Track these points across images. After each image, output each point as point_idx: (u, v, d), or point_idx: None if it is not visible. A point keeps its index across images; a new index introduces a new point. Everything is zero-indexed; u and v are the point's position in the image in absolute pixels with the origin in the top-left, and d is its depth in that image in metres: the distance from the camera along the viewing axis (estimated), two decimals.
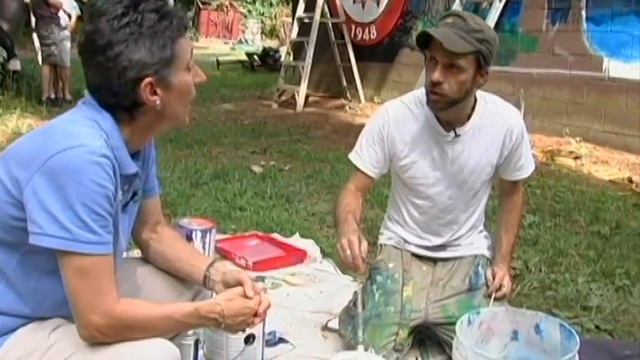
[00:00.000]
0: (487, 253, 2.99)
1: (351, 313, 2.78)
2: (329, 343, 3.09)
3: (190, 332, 2.20)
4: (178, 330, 2.04)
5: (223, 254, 4.08)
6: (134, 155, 1.92)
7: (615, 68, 7.77)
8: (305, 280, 3.82)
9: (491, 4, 8.86)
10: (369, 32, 11.63)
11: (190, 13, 30.10)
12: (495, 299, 2.78)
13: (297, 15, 12.19)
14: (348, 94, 11.84)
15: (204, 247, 3.56)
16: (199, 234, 3.55)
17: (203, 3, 35.32)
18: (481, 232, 3.05)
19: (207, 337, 2.51)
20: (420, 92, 2.83)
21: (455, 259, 2.97)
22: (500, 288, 2.82)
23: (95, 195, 1.69)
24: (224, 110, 10.85)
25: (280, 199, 5.47)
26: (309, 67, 11.18)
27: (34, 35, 11.91)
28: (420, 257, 2.99)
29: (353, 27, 11.87)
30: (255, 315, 2.00)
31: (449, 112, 2.70)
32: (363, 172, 2.84)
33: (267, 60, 19.22)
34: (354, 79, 11.64)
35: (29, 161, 1.71)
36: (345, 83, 11.90)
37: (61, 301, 1.77)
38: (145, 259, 2.27)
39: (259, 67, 19.22)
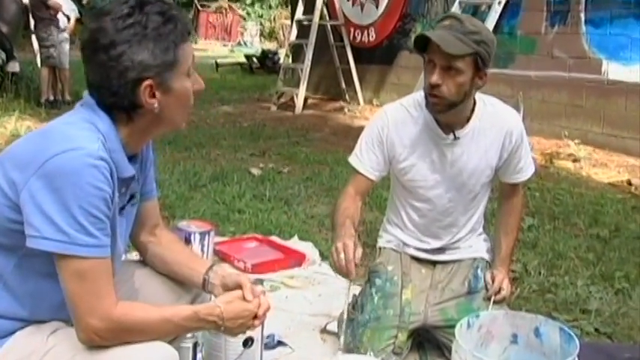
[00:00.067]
0: (486, 256, 2.99)
1: (350, 316, 2.77)
2: (328, 346, 3.08)
3: (189, 335, 2.20)
4: (177, 333, 2.04)
5: (222, 257, 4.07)
6: (131, 158, 1.91)
7: (614, 71, 7.78)
8: (304, 283, 3.81)
9: (490, 7, 8.87)
10: (368, 35, 11.64)
11: (189, 16, 30.08)
12: (495, 302, 2.77)
13: (296, 17, 12.20)
14: (346, 97, 11.85)
15: (202, 250, 3.55)
16: (198, 236, 3.54)
17: (202, 5, 35.34)
18: (480, 234, 3.05)
19: (206, 340, 2.50)
20: (419, 95, 2.82)
21: (454, 262, 2.96)
22: (499, 291, 2.81)
23: (92, 198, 1.68)
24: (223, 112, 10.85)
25: (279, 201, 5.46)
26: (308, 69, 11.18)
27: (33, 37, 11.88)
28: (419, 260, 2.98)
29: (352, 29, 11.88)
30: (255, 317, 1.99)
31: (448, 114, 2.69)
32: (362, 175, 2.83)
33: (266, 62, 19.23)
34: (352, 82, 11.65)
35: (26, 164, 1.70)
36: (343, 86, 11.91)
37: (59, 304, 1.76)
38: (144, 262, 2.27)
39: (258, 69, 19.22)
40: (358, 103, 11.52)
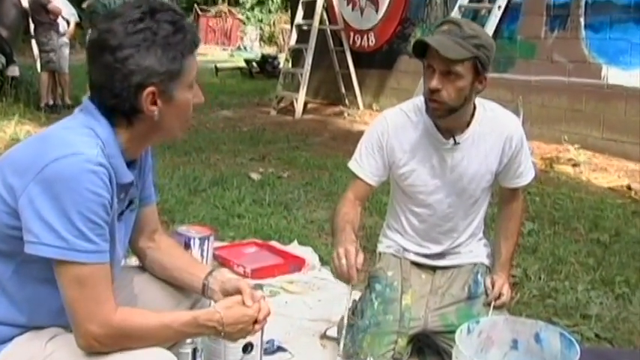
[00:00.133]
0: (486, 261, 2.98)
1: (350, 321, 2.77)
2: (327, 351, 3.08)
3: (188, 341, 2.19)
4: (177, 339, 2.03)
5: (221, 262, 4.07)
6: (130, 164, 1.91)
7: (614, 75, 7.77)
8: (303, 288, 3.80)
9: (490, 11, 8.87)
10: (368, 39, 11.64)
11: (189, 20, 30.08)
12: (495, 308, 2.77)
13: (295, 22, 12.21)
14: (346, 101, 11.85)
15: (202, 255, 3.55)
16: (197, 241, 3.54)
17: (202, 10, 35.36)
18: (480, 240, 3.04)
19: (206, 346, 2.49)
20: (418, 100, 2.82)
21: (454, 267, 2.96)
22: (499, 296, 2.81)
23: (91, 203, 1.68)
24: (222, 117, 10.85)
25: (279, 206, 5.46)
26: (308, 74, 11.17)
27: (33, 42, 11.89)
28: (419, 265, 2.97)
29: (351, 34, 11.88)
30: (255, 322, 1.99)
31: (448, 119, 2.69)
32: (362, 181, 2.83)
33: (265, 67, 19.22)
34: (352, 86, 11.64)
35: (25, 169, 1.70)
36: (343, 90, 11.90)
37: (58, 309, 1.76)
38: (143, 268, 2.26)
39: (258, 73, 19.22)
40: (358, 108, 11.52)
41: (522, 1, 8.78)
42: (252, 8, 35.08)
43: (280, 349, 3.01)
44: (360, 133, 3.01)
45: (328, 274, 3.96)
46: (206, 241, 3.60)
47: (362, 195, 2.86)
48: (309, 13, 11.62)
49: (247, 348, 2.38)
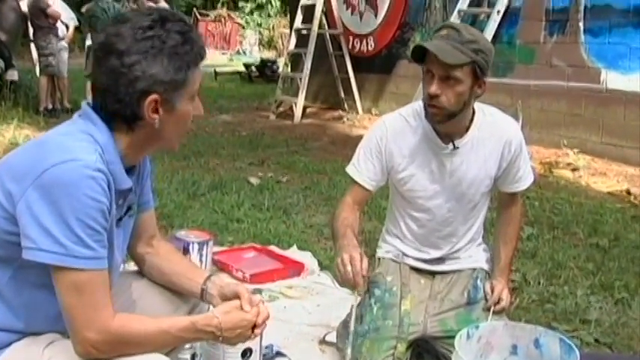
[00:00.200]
0: (486, 267, 2.97)
1: (349, 327, 2.76)
2: (327, 357, 3.08)
3: (187, 346, 2.19)
4: (175, 344, 2.03)
5: (220, 267, 4.06)
6: (129, 170, 1.91)
7: (613, 80, 7.77)
8: (302, 293, 3.80)
9: (489, 16, 8.88)
10: (367, 44, 11.65)
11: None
12: (494, 313, 2.76)
13: (294, 26, 12.22)
14: (345, 106, 11.85)
15: (201, 260, 3.54)
16: (196, 246, 3.53)
17: (201, 14, 35.35)
18: (480, 244, 3.03)
19: (204, 351, 2.49)
20: (417, 105, 2.81)
21: (453, 272, 2.95)
22: (499, 301, 2.80)
23: (90, 209, 1.68)
24: (222, 121, 10.85)
25: (278, 211, 5.46)
26: (307, 78, 11.18)
27: (32, 46, 11.90)
28: (418, 270, 2.97)
29: (351, 38, 11.89)
30: (254, 327, 1.98)
31: (447, 124, 2.69)
32: (360, 186, 2.82)
33: (264, 71, 19.24)
34: (351, 91, 11.65)
35: (23, 175, 1.69)
36: (342, 95, 11.91)
37: (55, 315, 1.75)
38: (141, 273, 2.26)
39: (257, 78, 19.23)
40: (357, 112, 11.52)
41: (521, 5, 8.79)
42: (251, 12, 35.09)
43: (279, 354, 3.01)
44: (359, 138, 3.00)
45: (327, 279, 3.95)
46: (205, 246, 3.59)
47: (360, 200, 2.86)
48: (308, 18, 11.63)
49: (246, 353, 2.38)
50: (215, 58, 25.76)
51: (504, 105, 7.18)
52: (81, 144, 1.75)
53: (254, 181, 6.48)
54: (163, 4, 10.98)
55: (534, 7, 8.62)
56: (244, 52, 31.18)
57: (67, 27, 11.38)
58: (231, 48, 33.60)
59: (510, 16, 8.85)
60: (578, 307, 3.67)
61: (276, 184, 6.42)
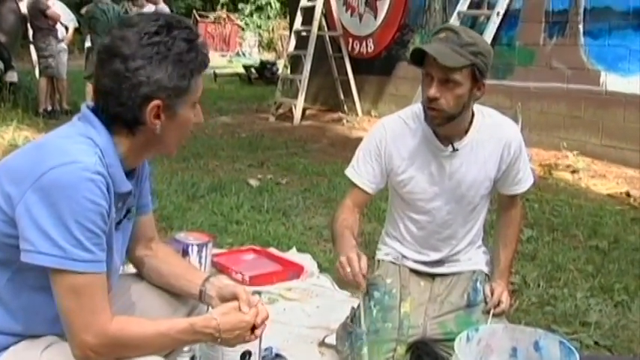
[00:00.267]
0: (485, 269, 2.96)
1: (349, 329, 2.76)
2: (326, 359, 3.07)
3: (186, 349, 2.19)
4: (174, 346, 2.03)
5: (220, 269, 4.06)
6: (129, 173, 1.91)
7: (613, 82, 7.77)
8: (302, 295, 3.79)
9: (488, 18, 8.88)
10: (367, 45, 11.65)
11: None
12: (494, 315, 2.75)
13: (294, 28, 12.22)
14: (345, 108, 11.84)
15: (200, 262, 3.54)
16: (196, 248, 3.53)
17: (200, 16, 35.35)
18: (479, 247, 3.03)
19: (203, 354, 2.48)
20: (417, 107, 2.81)
21: (453, 274, 2.94)
22: (498, 304, 2.79)
23: (89, 212, 1.67)
24: (221, 123, 10.85)
25: (277, 213, 5.45)
26: (307, 80, 11.18)
27: (32, 47, 11.90)
28: (418, 273, 2.96)
29: (350, 40, 11.89)
30: (254, 327, 1.97)
31: (446, 127, 2.68)
32: (359, 188, 2.81)
33: (264, 73, 19.23)
34: (351, 93, 11.64)
35: (22, 177, 1.69)
36: (342, 96, 11.90)
37: (53, 318, 1.75)
38: (140, 276, 2.25)
39: (256, 79, 19.23)
40: (356, 114, 11.51)
41: (521, 7, 8.79)
42: (250, 14, 35.08)
43: (278, 356, 3.00)
44: (359, 140, 3.00)
45: (327, 282, 3.95)
46: (204, 248, 3.59)
47: (360, 202, 2.85)
48: (307, 20, 11.63)
49: (245, 356, 2.37)
50: (214, 60, 25.71)
51: (504, 107, 7.20)
52: (80, 147, 1.75)
53: (253, 182, 6.49)
54: (163, 6, 11.00)
55: (534, 9, 8.62)
56: (244, 54, 31.16)
57: (67, 29, 11.39)
58: (231, 50, 33.59)
59: (510, 18, 8.85)
60: (577, 310, 3.67)
61: (275, 186, 6.42)
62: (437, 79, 2.55)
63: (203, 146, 8.42)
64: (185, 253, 3.48)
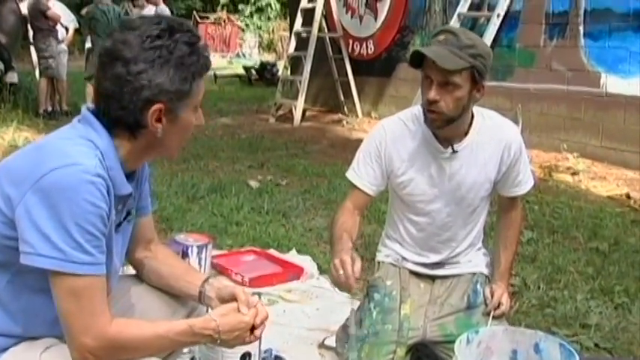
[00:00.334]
0: (486, 271, 2.96)
1: (348, 331, 2.75)
2: None
3: (185, 350, 2.19)
4: (173, 348, 2.02)
5: (219, 270, 4.06)
6: (129, 175, 1.90)
7: (613, 84, 7.78)
8: (302, 297, 3.79)
9: (489, 20, 8.88)
10: (367, 47, 11.65)
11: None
12: (494, 317, 2.75)
13: (294, 29, 12.23)
14: (345, 109, 11.84)
15: (200, 263, 3.53)
16: (195, 250, 3.52)
17: (201, 17, 35.37)
18: (480, 249, 3.02)
19: (203, 355, 2.47)
20: (417, 109, 2.81)
21: (453, 276, 2.94)
22: (498, 306, 2.79)
23: (89, 215, 1.67)
24: (221, 124, 10.84)
25: (277, 214, 5.45)
26: (307, 81, 11.18)
27: (32, 48, 11.89)
28: (418, 275, 2.96)
29: (350, 42, 11.89)
30: (253, 328, 1.97)
31: (446, 128, 2.68)
32: (360, 190, 2.81)
33: (264, 74, 19.24)
34: (351, 94, 11.65)
35: (22, 179, 1.69)
36: (342, 98, 11.90)
37: (53, 320, 1.75)
38: (139, 277, 2.25)
39: (257, 81, 19.24)
40: (356, 116, 11.52)
41: (521, 9, 8.80)
42: (251, 15, 35.09)
43: (278, 358, 3.00)
44: (359, 141, 3.00)
45: (326, 283, 3.94)
46: (204, 249, 3.58)
47: (361, 204, 2.84)
48: (308, 21, 11.63)
49: (245, 357, 2.37)
50: (215, 61, 25.72)
51: (504, 109, 7.19)
52: (81, 149, 1.74)
53: (253, 184, 6.48)
54: (163, 7, 11.00)
55: (534, 11, 8.63)
56: (244, 55, 31.18)
57: (67, 30, 11.38)
58: (231, 51, 33.61)
59: (510, 20, 8.86)
60: (578, 312, 3.66)
61: (275, 188, 6.41)
62: (436, 81, 2.55)
63: (203, 147, 8.42)
64: (185, 254, 3.48)
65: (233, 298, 2.02)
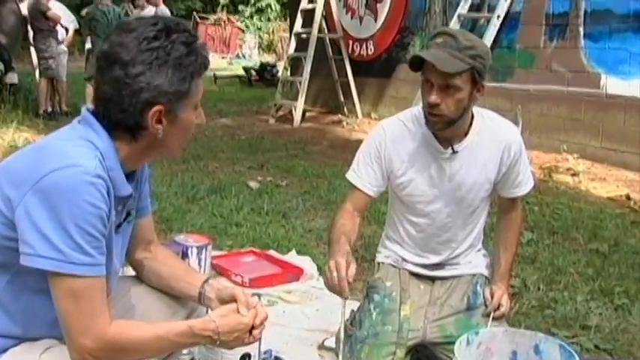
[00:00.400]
0: (486, 272, 2.96)
1: (348, 332, 2.75)
2: None
3: (185, 351, 2.18)
4: (172, 349, 2.02)
5: (219, 271, 4.06)
6: (129, 176, 1.90)
7: (613, 85, 7.78)
8: (301, 298, 3.79)
9: (489, 21, 8.88)
10: (367, 48, 11.65)
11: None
12: (494, 319, 2.75)
13: (294, 30, 12.23)
14: (345, 110, 11.84)
15: (200, 264, 3.53)
16: (195, 250, 3.52)
17: (201, 18, 35.36)
18: (479, 250, 3.02)
19: (203, 356, 2.47)
20: (416, 109, 2.80)
21: (453, 277, 2.93)
22: (498, 307, 2.79)
23: (89, 216, 1.67)
24: (221, 125, 10.84)
25: (277, 215, 5.45)
26: (307, 82, 11.18)
27: (32, 49, 11.89)
28: (417, 276, 2.95)
29: (350, 42, 11.89)
30: (253, 329, 1.97)
31: (447, 130, 2.68)
32: (360, 191, 2.80)
33: (264, 75, 19.23)
34: (351, 95, 11.64)
35: (22, 180, 1.69)
36: (342, 99, 11.90)
37: (53, 321, 1.74)
38: (139, 278, 2.25)
39: (257, 81, 19.22)
40: (356, 117, 11.51)
41: (521, 10, 8.80)
42: (251, 16, 35.11)
43: (278, 359, 2.99)
44: (359, 142, 2.99)
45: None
46: (204, 250, 3.58)
47: (361, 206, 2.83)
48: (308, 22, 11.63)
49: (245, 358, 2.36)
50: (215, 62, 25.78)
51: (504, 109, 7.19)
52: (81, 150, 1.74)
53: (253, 185, 6.48)
54: (163, 7, 11.00)
55: (534, 12, 8.63)
56: (244, 56, 31.14)
57: (67, 30, 11.37)
58: (231, 52, 33.57)
59: (510, 21, 8.86)
60: (578, 313, 3.66)
61: (275, 188, 6.41)
62: (437, 85, 2.55)
63: (203, 148, 8.41)
64: (184, 255, 3.47)
65: (233, 299, 2.02)
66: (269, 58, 27.02)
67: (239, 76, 20.35)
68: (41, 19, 10.64)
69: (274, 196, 6.06)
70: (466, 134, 2.75)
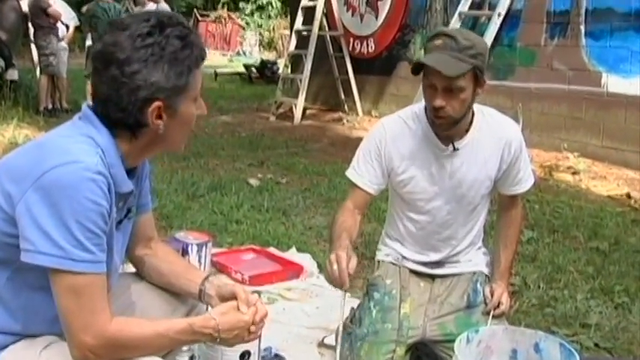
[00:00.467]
0: (486, 270, 2.96)
1: (348, 329, 2.75)
2: (325, 359, 3.06)
3: (185, 348, 2.17)
4: (172, 347, 2.01)
5: (219, 268, 4.06)
6: (130, 172, 1.90)
7: (614, 83, 7.77)
8: (301, 295, 3.79)
9: (489, 19, 8.87)
10: (368, 45, 11.64)
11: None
12: (494, 317, 2.75)
13: (295, 28, 12.21)
14: (345, 107, 11.83)
15: (200, 261, 3.54)
16: (195, 248, 3.53)
17: (201, 15, 35.38)
18: (480, 248, 3.02)
19: (202, 354, 2.47)
20: (417, 107, 2.80)
21: (453, 275, 2.93)
22: (498, 305, 2.79)
23: (90, 213, 1.66)
24: (221, 122, 10.83)
25: (277, 212, 5.45)
26: (307, 79, 11.17)
27: (32, 46, 11.89)
28: (418, 274, 2.95)
29: (351, 40, 11.88)
30: (253, 325, 1.96)
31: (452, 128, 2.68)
32: (361, 189, 2.80)
33: (265, 72, 19.22)
34: (351, 92, 11.63)
35: (23, 176, 1.68)
36: (342, 96, 11.89)
37: (53, 318, 1.74)
38: (139, 275, 2.25)
39: (257, 79, 19.21)
40: (357, 114, 11.50)
41: (522, 8, 8.78)
42: (251, 14, 35.12)
43: (277, 356, 3.00)
44: (359, 140, 2.99)
45: (326, 282, 3.93)
46: (204, 247, 3.58)
47: (361, 204, 2.83)
48: (308, 19, 11.62)
49: (245, 356, 2.36)
50: (215, 59, 25.78)
51: (505, 108, 7.18)
52: (82, 146, 1.74)
53: (253, 182, 6.48)
54: (163, 4, 10.99)
55: (535, 10, 8.62)
56: (244, 53, 31.18)
57: (68, 27, 11.37)
58: (232, 49, 33.60)
59: (511, 19, 8.84)
60: (578, 311, 3.66)
61: (275, 186, 6.41)
62: (441, 88, 2.55)
63: (203, 145, 8.40)
64: (185, 252, 3.48)
65: (233, 297, 2.02)
66: (269, 56, 27.04)
67: (239, 74, 20.34)
68: (42, 16, 10.64)
69: (274, 194, 6.06)
70: (467, 131, 2.75)
